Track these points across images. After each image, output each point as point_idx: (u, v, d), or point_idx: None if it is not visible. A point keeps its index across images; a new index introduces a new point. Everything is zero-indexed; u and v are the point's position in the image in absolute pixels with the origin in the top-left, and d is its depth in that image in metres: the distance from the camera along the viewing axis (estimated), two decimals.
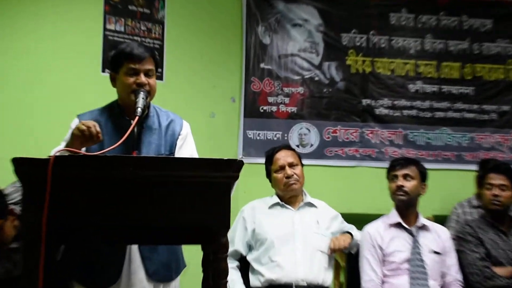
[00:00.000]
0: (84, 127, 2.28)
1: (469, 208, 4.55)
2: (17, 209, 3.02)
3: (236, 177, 1.99)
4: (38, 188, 1.82)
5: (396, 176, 3.48)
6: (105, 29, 4.34)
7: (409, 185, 3.44)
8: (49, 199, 1.81)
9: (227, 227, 2.00)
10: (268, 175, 3.62)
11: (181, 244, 2.65)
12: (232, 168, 1.97)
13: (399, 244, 3.38)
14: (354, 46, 5.14)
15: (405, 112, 5.17)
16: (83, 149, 2.33)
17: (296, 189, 3.52)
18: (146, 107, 2.58)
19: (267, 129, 4.98)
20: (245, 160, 5.07)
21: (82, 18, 4.31)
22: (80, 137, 2.29)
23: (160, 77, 4.54)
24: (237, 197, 4.64)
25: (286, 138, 4.99)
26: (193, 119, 4.39)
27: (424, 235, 3.42)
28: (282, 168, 3.52)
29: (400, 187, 3.43)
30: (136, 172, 1.88)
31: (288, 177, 3.48)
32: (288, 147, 3.71)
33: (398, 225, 3.44)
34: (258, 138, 4.96)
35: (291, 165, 3.52)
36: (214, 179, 1.96)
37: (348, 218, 3.81)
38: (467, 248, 3.52)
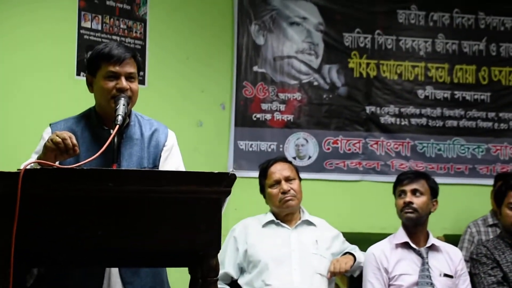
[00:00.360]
0: (58, 139, 2.29)
1: (484, 227, 4.59)
2: None
3: (228, 193, 2.01)
4: (6, 205, 1.83)
5: (404, 192, 3.52)
6: (79, 27, 4.35)
7: (418, 201, 3.48)
8: (18, 217, 1.83)
9: (218, 248, 2.01)
10: (262, 190, 3.66)
11: (166, 267, 2.66)
12: (223, 183, 1.99)
13: (406, 267, 3.41)
14: (357, 47, 5.20)
15: (414, 120, 5.21)
16: (57, 162, 2.34)
17: (293, 206, 3.56)
18: (127, 115, 2.60)
19: (260, 140, 5.02)
20: (236, 174, 5.10)
21: (53, 15, 4.30)
22: (54, 150, 2.30)
23: (142, 81, 4.56)
24: (228, 214, 4.65)
25: (281, 149, 5.03)
26: (178, 128, 4.40)
27: (435, 257, 3.45)
28: (278, 182, 3.56)
29: (409, 204, 3.47)
30: (115, 188, 1.90)
31: (284, 192, 3.52)
32: (284, 159, 3.75)
33: (405, 246, 3.47)
34: (250, 149, 4.99)
35: (287, 180, 3.56)
36: (203, 195, 1.98)
37: (351, 237, 3.84)
38: (482, 271, 3.56)
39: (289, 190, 3.53)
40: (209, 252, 2.00)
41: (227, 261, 3.49)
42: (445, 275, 3.40)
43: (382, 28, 5.23)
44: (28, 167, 1.90)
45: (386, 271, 3.41)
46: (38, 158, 2.34)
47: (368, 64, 5.18)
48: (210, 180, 1.98)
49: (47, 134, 2.62)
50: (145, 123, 2.74)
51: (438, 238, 4.43)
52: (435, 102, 5.26)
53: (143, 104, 4.11)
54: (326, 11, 5.15)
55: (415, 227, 3.50)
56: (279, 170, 3.60)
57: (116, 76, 2.55)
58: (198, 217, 1.98)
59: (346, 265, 3.42)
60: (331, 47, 5.14)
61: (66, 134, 2.32)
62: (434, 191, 3.55)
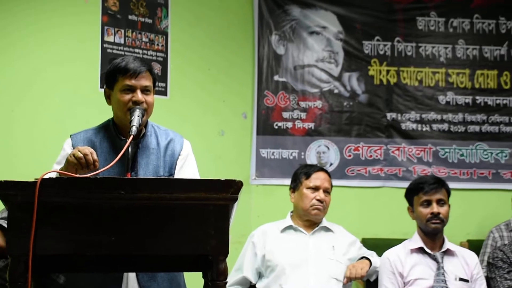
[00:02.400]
0: (80, 154, 2.40)
1: (507, 232, 4.58)
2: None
3: (235, 199, 2.09)
4: (25, 213, 1.93)
5: (428, 202, 3.53)
6: (103, 41, 4.47)
7: (443, 211, 3.52)
8: (36, 225, 1.93)
9: (226, 252, 2.08)
10: (295, 188, 3.73)
11: (178, 272, 2.74)
12: (230, 189, 2.07)
13: (421, 271, 3.44)
14: (377, 54, 5.22)
15: (435, 126, 5.22)
16: None
17: (319, 217, 3.67)
18: (143, 126, 2.70)
19: (282, 147, 5.07)
20: (258, 182, 5.18)
21: (77, 30, 4.42)
22: (75, 164, 2.40)
23: (164, 92, 4.67)
24: (250, 221, 4.74)
25: (303, 157, 5.07)
26: (201, 137, 4.57)
27: (450, 261, 3.48)
28: (317, 189, 3.65)
29: (437, 215, 3.50)
30: (127, 195, 1.99)
31: (319, 201, 3.62)
32: (327, 171, 3.83)
33: (420, 250, 3.51)
34: (272, 157, 5.05)
35: (325, 191, 3.67)
36: (211, 201, 2.05)
37: (373, 243, 3.90)
38: (498, 275, 3.58)
39: (323, 201, 3.63)
40: (218, 256, 2.08)
41: (246, 266, 3.58)
42: (461, 279, 3.42)
43: (402, 36, 5.25)
44: (47, 176, 2.01)
45: (401, 275, 3.45)
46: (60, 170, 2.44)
47: (388, 71, 5.21)
48: (218, 187, 2.06)
49: (67, 144, 2.75)
50: (161, 133, 2.83)
51: (461, 243, 4.46)
52: (457, 107, 5.26)
53: (166, 114, 4.27)
54: (345, 20, 5.19)
55: (436, 235, 3.54)
56: (322, 179, 3.70)
57: (132, 89, 2.65)
58: (207, 222, 2.05)
59: (362, 271, 3.47)
60: (351, 55, 5.19)
61: (88, 150, 2.42)
62: (449, 196, 3.60)
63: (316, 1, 5.17)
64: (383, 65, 5.21)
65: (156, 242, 2.04)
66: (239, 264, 3.62)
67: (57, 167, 2.63)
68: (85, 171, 2.41)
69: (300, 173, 3.75)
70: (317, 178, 3.69)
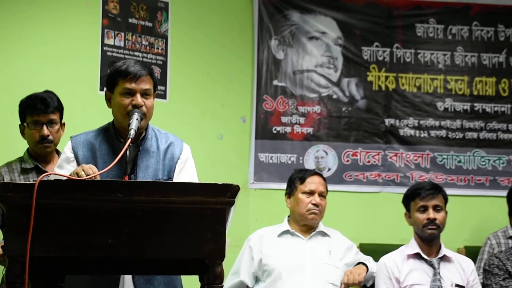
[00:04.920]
0: (83, 175, 2.34)
1: (504, 239, 4.56)
2: None
3: (232, 203, 2.10)
4: (23, 214, 1.94)
5: (425, 207, 3.55)
6: (103, 44, 4.47)
7: (440, 217, 3.53)
8: (33, 226, 1.93)
9: (222, 256, 2.09)
10: (290, 193, 3.74)
11: (174, 275, 2.73)
12: (227, 193, 2.07)
13: (418, 277, 3.45)
14: (376, 60, 5.23)
15: (433, 132, 5.23)
16: None
17: (316, 221, 3.67)
18: (142, 129, 2.70)
19: (280, 152, 5.07)
20: (256, 186, 5.18)
21: (78, 33, 4.43)
22: None
23: (163, 96, 4.67)
24: (248, 225, 4.74)
25: (301, 161, 5.07)
26: (199, 141, 4.57)
27: (446, 267, 3.49)
28: (312, 193, 3.66)
29: (433, 221, 3.51)
30: (125, 198, 2.00)
31: (315, 205, 3.62)
32: (322, 175, 3.84)
33: (417, 256, 3.52)
34: (270, 161, 5.05)
35: (320, 195, 3.68)
36: (208, 205, 2.06)
37: (370, 248, 3.89)
38: (494, 282, 3.58)
39: (319, 205, 3.64)
40: (214, 260, 2.08)
41: (243, 270, 3.58)
42: (457, 285, 3.43)
43: (401, 42, 5.26)
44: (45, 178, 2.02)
45: (398, 281, 3.46)
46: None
47: (387, 77, 5.22)
48: (215, 191, 2.07)
49: (67, 148, 2.75)
50: (162, 136, 2.82)
51: (459, 249, 4.46)
52: (455, 114, 5.26)
53: (165, 117, 4.27)
54: (344, 26, 5.20)
55: (432, 241, 3.55)
56: (317, 183, 3.71)
57: (131, 93, 2.65)
58: (204, 226, 2.06)
59: (359, 276, 3.48)
60: (350, 60, 5.19)
61: (91, 171, 2.37)
62: (446, 202, 3.60)
63: (315, 7, 5.18)
64: (381, 71, 5.22)
65: (152, 245, 2.05)
66: (236, 268, 3.63)
67: (58, 170, 2.64)
68: None
69: (295, 178, 3.76)
70: (312, 183, 3.69)
